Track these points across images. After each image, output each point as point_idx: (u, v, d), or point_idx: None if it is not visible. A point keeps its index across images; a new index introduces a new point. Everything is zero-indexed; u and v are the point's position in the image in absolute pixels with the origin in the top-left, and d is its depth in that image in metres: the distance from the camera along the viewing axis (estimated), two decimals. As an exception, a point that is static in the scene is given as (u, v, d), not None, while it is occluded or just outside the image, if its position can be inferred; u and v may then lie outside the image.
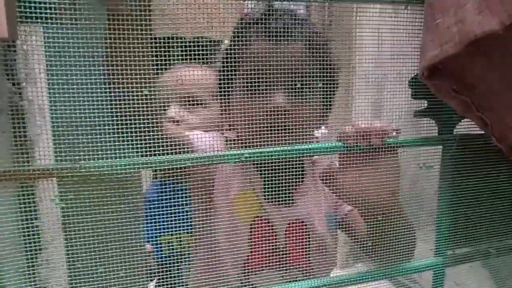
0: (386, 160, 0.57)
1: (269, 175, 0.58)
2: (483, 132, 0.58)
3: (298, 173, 0.59)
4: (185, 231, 0.61)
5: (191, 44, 0.51)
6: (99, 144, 0.49)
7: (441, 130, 0.61)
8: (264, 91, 0.58)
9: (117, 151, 0.50)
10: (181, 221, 0.55)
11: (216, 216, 0.61)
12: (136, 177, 0.52)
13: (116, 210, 0.51)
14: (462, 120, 0.62)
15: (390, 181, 0.57)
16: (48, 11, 0.45)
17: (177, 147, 0.50)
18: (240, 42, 0.57)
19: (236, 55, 0.57)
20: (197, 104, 0.78)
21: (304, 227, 0.66)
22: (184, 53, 0.51)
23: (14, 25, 0.38)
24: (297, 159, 0.59)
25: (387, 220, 0.58)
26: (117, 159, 0.49)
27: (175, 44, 0.52)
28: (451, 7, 0.48)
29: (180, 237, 0.74)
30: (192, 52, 0.51)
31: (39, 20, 0.44)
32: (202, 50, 0.51)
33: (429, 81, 0.54)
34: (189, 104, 0.77)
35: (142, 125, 0.48)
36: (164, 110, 0.74)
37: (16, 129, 0.50)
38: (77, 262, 0.53)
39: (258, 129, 0.54)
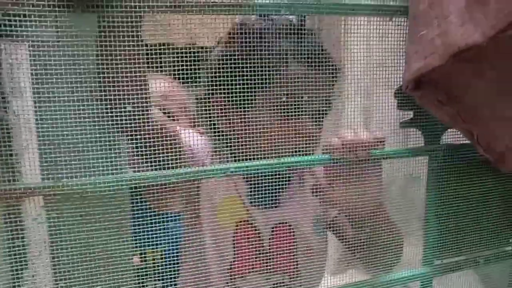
0: (370, 171, 0.57)
1: (254, 178, 0.58)
2: (469, 142, 0.59)
3: (283, 177, 0.59)
4: (150, 248, 0.61)
5: (183, 51, 0.51)
6: (83, 161, 0.48)
7: (427, 140, 0.61)
8: (294, 116, 0.58)
9: (102, 168, 0.49)
10: (145, 238, 0.54)
11: (201, 221, 0.61)
12: (122, 193, 0.51)
13: (101, 227, 0.50)
14: (448, 130, 0.62)
15: (374, 192, 0.57)
16: (30, 29, 0.44)
17: (165, 141, 0.49)
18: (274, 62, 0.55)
19: (257, 72, 0.54)
20: (168, 117, 0.76)
21: (290, 230, 0.66)
22: (176, 60, 0.50)
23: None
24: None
25: (373, 230, 0.58)
26: (100, 176, 0.48)
27: (166, 51, 0.51)
28: (435, 19, 0.48)
29: (144, 254, 0.73)
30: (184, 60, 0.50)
31: (20, 38, 0.44)
32: (194, 58, 0.51)
33: (414, 92, 0.54)
34: None
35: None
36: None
37: (1, 146, 0.49)
38: (64, 279, 0.52)
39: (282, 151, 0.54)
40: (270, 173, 0.55)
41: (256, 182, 0.59)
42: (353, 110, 0.62)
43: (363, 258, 0.61)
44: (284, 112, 0.58)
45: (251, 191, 0.63)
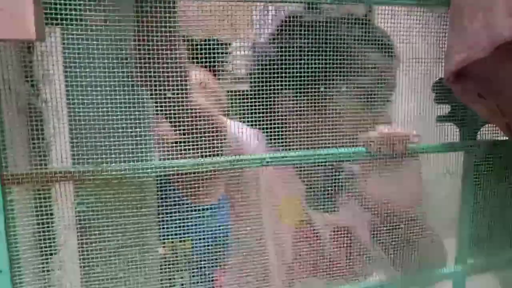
0: (408, 166, 0.56)
1: (311, 181, 0.57)
2: (507, 138, 0.58)
3: (338, 178, 0.58)
4: (178, 238, 0.60)
5: (201, 45, 0.50)
6: (120, 146, 0.48)
7: (464, 135, 0.60)
8: (375, 105, 0.59)
9: (138, 154, 0.49)
10: (174, 228, 0.54)
11: (261, 221, 0.60)
12: (152, 179, 0.51)
13: (133, 213, 0.50)
14: (485, 126, 0.61)
15: (413, 187, 0.56)
16: (72, 12, 0.44)
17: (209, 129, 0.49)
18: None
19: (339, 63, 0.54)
20: None
21: (349, 234, 0.65)
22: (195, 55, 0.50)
23: (42, 26, 0.37)
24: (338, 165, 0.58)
25: (409, 227, 0.57)
26: (139, 162, 0.48)
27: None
28: (480, 10, 0.47)
29: (173, 245, 0.72)
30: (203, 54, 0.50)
31: (64, 22, 0.44)
32: (213, 52, 0.50)
33: (455, 85, 0.53)
34: None
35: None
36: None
37: (34, 131, 0.49)
38: (94, 265, 0.52)
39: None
40: (324, 174, 0.54)
41: (311, 183, 0.58)
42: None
43: (399, 259, 0.59)
44: (360, 101, 0.57)
45: (308, 193, 0.62)
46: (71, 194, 0.50)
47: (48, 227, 0.50)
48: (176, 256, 0.70)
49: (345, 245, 0.63)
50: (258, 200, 0.61)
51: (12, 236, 0.47)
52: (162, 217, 0.54)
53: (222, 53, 0.60)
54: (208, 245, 0.61)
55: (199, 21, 0.52)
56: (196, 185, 0.55)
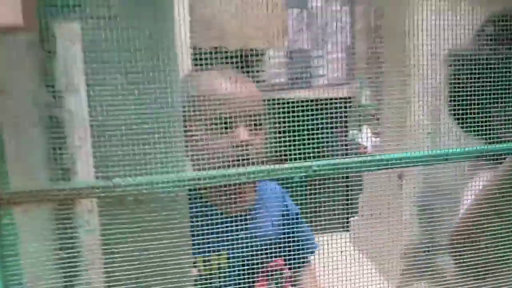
0: None
1: None
2: None
3: None
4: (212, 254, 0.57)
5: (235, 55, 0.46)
6: (140, 159, 0.41)
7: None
8: None
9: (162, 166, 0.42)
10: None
11: None
12: (182, 196, 0.43)
13: (159, 236, 0.43)
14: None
15: None
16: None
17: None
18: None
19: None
20: (259, 125, 0.65)
21: None
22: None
23: (33, 13, 0.31)
24: None
25: None
26: (159, 175, 0.40)
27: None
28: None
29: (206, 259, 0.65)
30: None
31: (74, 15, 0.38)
32: (247, 61, 0.47)
33: None
34: (254, 125, 0.64)
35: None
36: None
37: (55, 144, 0.43)
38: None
39: None
40: None
41: None
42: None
43: None
44: None
45: None
46: (90, 213, 0.44)
47: (70, 248, 0.44)
48: (211, 273, 0.63)
49: None
50: None
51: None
52: (195, 233, 0.49)
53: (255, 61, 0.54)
54: (247, 256, 0.55)
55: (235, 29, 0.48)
56: (229, 195, 0.52)
